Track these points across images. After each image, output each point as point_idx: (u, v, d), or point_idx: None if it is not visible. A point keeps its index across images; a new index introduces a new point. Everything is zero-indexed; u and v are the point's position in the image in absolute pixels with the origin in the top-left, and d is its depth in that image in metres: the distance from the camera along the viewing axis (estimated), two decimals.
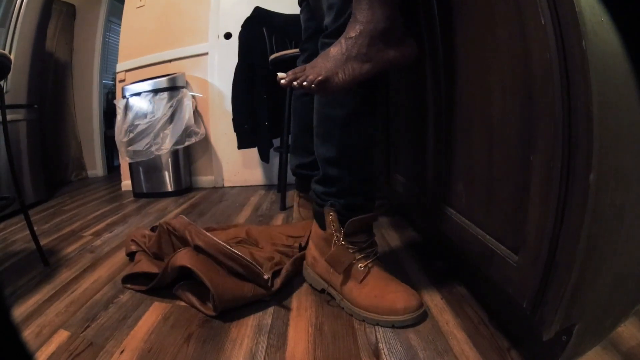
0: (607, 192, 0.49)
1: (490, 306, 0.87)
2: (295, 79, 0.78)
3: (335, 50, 0.78)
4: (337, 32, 0.86)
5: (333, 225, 0.92)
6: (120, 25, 2.86)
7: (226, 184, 2.74)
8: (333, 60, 0.77)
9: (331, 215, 0.92)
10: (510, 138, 0.66)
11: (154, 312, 0.94)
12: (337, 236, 0.92)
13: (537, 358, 0.68)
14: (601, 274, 0.54)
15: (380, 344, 0.78)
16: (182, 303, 0.97)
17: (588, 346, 0.67)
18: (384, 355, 0.74)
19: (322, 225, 0.96)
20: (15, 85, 2.32)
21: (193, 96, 2.58)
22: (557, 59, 0.50)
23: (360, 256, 0.91)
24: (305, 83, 0.76)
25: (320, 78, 0.75)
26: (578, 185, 0.49)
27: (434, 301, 0.92)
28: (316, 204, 0.99)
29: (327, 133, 0.93)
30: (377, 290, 0.87)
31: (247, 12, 2.26)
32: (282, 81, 0.79)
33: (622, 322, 0.74)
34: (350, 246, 0.91)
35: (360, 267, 0.90)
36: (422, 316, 0.84)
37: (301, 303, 0.96)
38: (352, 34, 0.77)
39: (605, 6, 0.45)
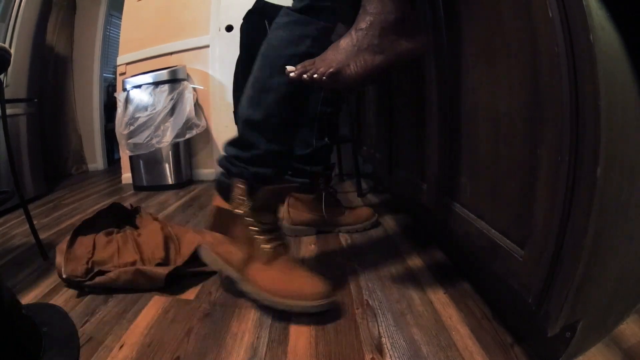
0: (612, 187, 0.48)
1: (493, 301, 0.86)
2: (304, 72, 0.76)
3: (346, 42, 0.76)
4: (299, 11, 0.85)
5: (239, 198, 0.89)
6: (120, 18, 2.85)
7: None
8: (344, 52, 0.76)
9: (240, 187, 0.89)
10: (516, 131, 0.65)
11: (154, 306, 0.93)
12: (243, 210, 0.89)
13: (541, 354, 0.67)
14: (606, 270, 0.54)
15: (383, 339, 0.77)
16: (183, 297, 0.97)
17: (591, 343, 0.66)
18: (387, 350, 0.74)
19: (227, 198, 0.92)
20: (16, 79, 2.31)
21: (194, 89, 2.58)
22: (565, 52, 0.49)
23: (265, 237, 0.89)
24: (315, 76, 0.75)
25: (331, 70, 0.74)
26: (585, 179, 0.48)
27: (437, 295, 0.92)
28: (222, 175, 0.94)
29: (258, 97, 0.88)
30: (285, 274, 0.85)
31: (249, 5, 2.24)
32: (292, 74, 0.77)
33: (625, 319, 0.73)
34: (253, 226, 0.89)
35: (266, 248, 0.88)
36: (333, 305, 0.83)
37: None
38: (363, 25, 0.75)
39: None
